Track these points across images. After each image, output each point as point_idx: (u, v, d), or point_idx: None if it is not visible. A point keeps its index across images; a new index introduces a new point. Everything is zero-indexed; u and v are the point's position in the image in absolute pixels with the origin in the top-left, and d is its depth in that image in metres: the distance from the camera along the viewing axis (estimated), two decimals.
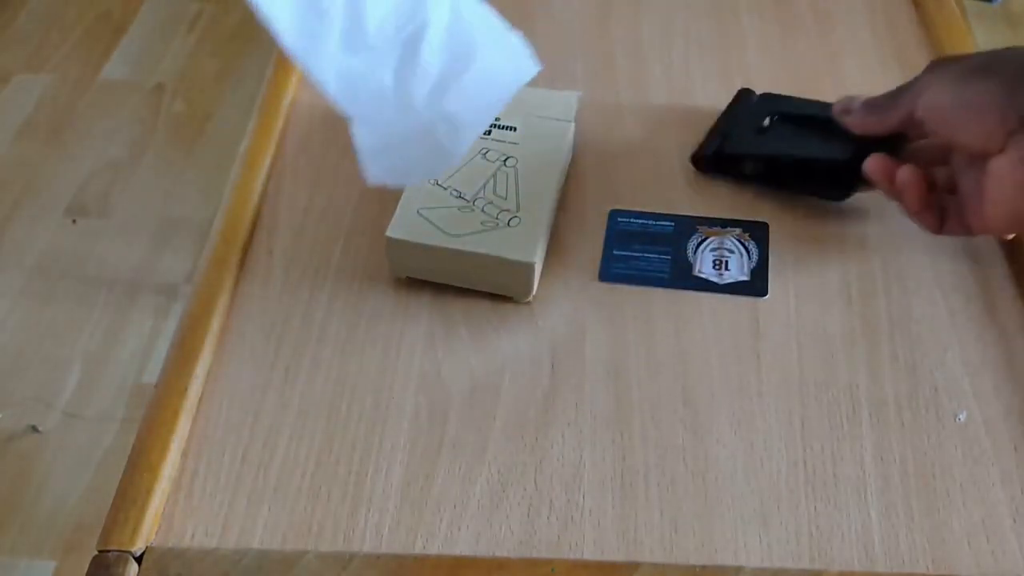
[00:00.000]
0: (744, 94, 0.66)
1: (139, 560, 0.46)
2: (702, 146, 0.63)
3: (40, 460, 1.33)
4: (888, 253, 0.59)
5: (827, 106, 0.61)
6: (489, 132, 0.60)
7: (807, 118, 0.61)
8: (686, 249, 0.58)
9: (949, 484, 0.49)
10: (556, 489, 0.48)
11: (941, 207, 0.55)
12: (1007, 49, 0.50)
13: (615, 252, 0.58)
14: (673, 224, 0.60)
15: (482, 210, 0.55)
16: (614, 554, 0.46)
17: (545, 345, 0.54)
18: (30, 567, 1.24)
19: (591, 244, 0.59)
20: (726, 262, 0.57)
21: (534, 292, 0.56)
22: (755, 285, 0.56)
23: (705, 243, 0.58)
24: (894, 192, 0.55)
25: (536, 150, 0.59)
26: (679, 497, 0.48)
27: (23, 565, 1.25)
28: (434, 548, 0.46)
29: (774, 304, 0.56)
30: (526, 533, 0.47)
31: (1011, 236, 0.57)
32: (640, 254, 0.58)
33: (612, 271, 0.57)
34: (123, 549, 0.45)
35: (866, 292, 0.57)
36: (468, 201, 0.56)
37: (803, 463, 0.49)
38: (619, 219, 0.60)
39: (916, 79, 0.52)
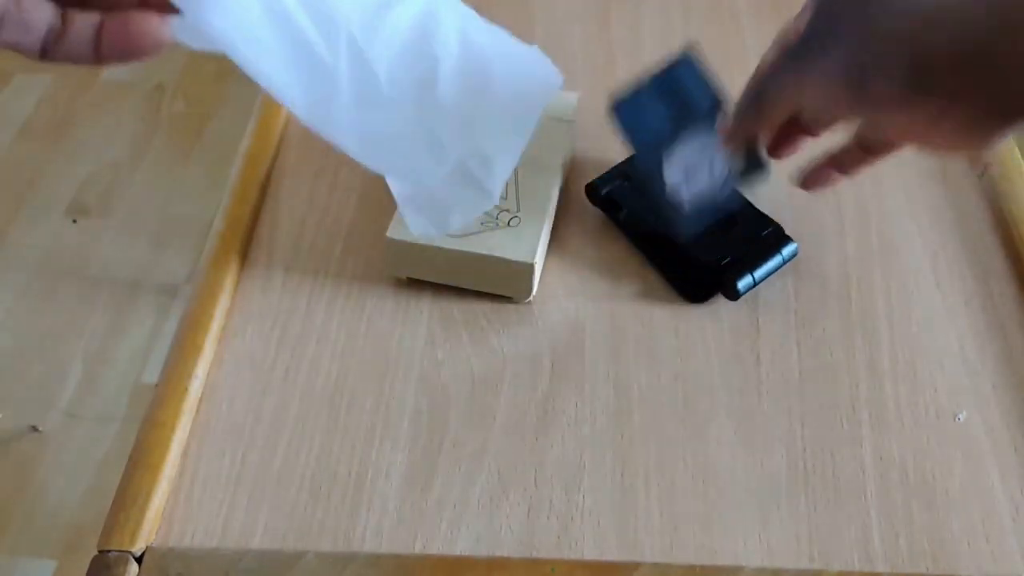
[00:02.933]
0: None
1: (139, 560, 0.46)
2: (602, 178, 0.60)
3: (40, 460, 1.33)
4: (888, 253, 0.59)
5: (735, 195, 0.58)
6: None
7: (712, 198, 0.57)
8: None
9: (949, 484, 0.49)
10: (556, 489, 0.48)
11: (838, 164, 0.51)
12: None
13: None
14: None
15: None
16: (614, 554, 0.46)
17: (545, 345, 0.54)
18: (30, 567, 1.24)
19: (591, 244, 0.59)
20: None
21: (534, 292, 0.56)
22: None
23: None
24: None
25: (536, 150, 0.59)
26: (679, 497, 0.48)
27: (23, 565, 1.25)
28: (434, 548, 0.46)
29: (774, 304, 0.56)
30: (526, 533, 0.47)
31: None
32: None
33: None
34: (123, 549, 0.46)
35: (866, 292, 0.57)
36: None
37: (803, 463, 0.49)
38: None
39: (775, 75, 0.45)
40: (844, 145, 0.51)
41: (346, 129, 0.38)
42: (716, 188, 0.55)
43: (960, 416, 0.51)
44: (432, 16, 0.41)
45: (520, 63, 0.44)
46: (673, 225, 0.55)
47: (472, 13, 0.43)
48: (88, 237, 1.63)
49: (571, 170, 0.63)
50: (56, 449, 1.35)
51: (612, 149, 0.64)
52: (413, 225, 0.42)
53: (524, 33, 0.73)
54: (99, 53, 0.35)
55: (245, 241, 0.59)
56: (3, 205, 1.68)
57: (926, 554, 0.46)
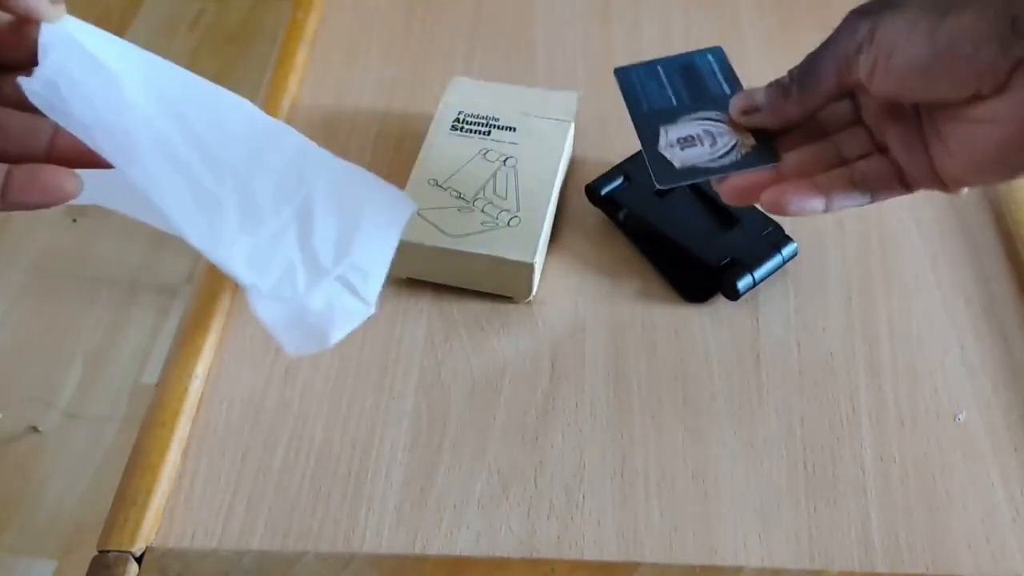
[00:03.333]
0: None
1: (139, 560, 0.46)
2: (602, 178, 0.60)
3: (40, 460, 1.33)
4: (888, 253, 0.59)
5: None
6: (489, 132, 0.60)
7: (713, 201, 0.58)
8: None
9: (949, 484, 0.49)
10: (556, 489, 0.48)
11: (857, 178, 0.45)
12: None
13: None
14: None
15: (482, 210, 0.55)
16: (614, 554, 0.46)
17: (545, 345, 0.54)
18: (30, 567, 1.24)
19: (591, 244, 0.59)
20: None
21: (534, 292, 0.56)
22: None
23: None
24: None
25: (536, 150, 0.59)
26: (679, 497, 0.48)
27: (23, 565, 1.24)
28: (434, 548, 0.46)
29: (774, 304, 0.56)
30: (526, 533, 0.47)
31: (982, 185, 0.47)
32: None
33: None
34: (123, 549, 0.46)
35: (866, 292, 0.57)
36: (468, 201, 0.56)
37: (803, 463, 0.49)
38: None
39: (838, 37, 0.42)
40: (832, 175, 0.45)
41: (235, 254, 0.42)
42: (713, 161, 0.48)
43: (960, 416, 0.51)
44: (302, 157, 0.46)
45: (380, 193, 0.49)
46: (654, 169, 0.48)
47: (333, 156, 0.48)
48: (88, 237, 1.63)
49: (571, 170, 0.63)
50: (56, 449, 1.34)
51: (612, 149, 0.64)
52: (292, 347, 0.45)
53: (524, 33, 0.74)
54: (5, 200, 0.36)
55: None
56: None
57: (926, 554, 0.46)
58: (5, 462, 1.33)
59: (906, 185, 0.44)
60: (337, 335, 0.45)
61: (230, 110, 0.44)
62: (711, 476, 0.49)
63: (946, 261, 0.59)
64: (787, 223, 0.58)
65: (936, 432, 0.51)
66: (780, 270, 0.57)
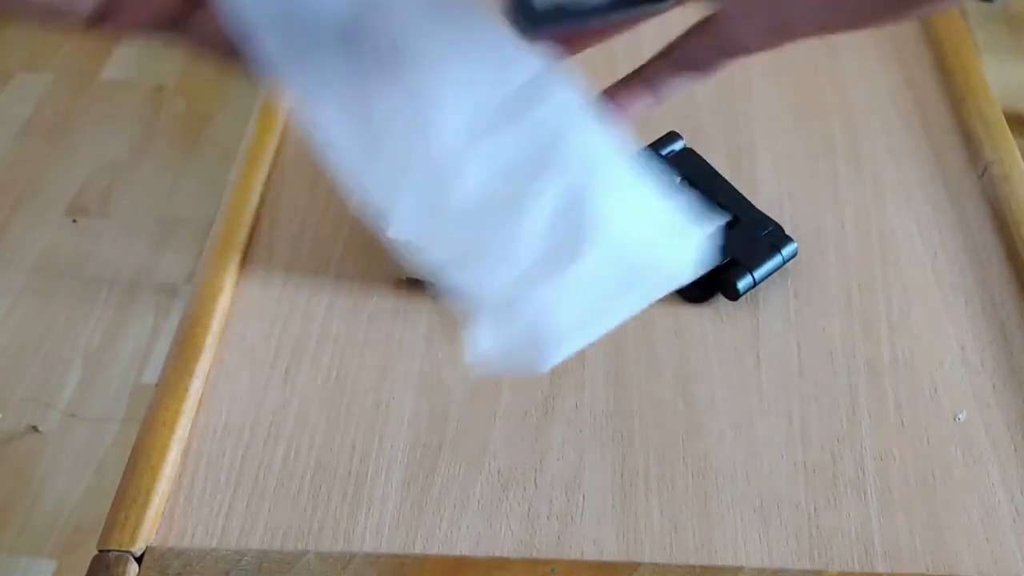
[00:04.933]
0: (670, 138, 0.61)
1: (139, 560, 0.46)
2: None
3: (40, 460, 1.33)
4: (888, 253, 0.59)
5: (735, 195, 0.58)
6: None
7: (713, 201, 0.57)
8: None
9: (949, 484, 0.49)
10: (556, 489, 0.48)
11: (679, 56, 0.44)
12: None
13: None
14: None
15: None
16: (614, 554, 0.46)
17: None
18: (30, 567, 1.24)
19: None
20: None
21: None
22: None
23: None
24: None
25: None
26: (679, 497, 0.48)
27: (23, 565, 1.24)
28: (434, 548, 0.46)
29: (774, 304, 0.56)
30: (526, 533, 0.47)
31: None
32: None
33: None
34: (123, 549, 0.46)
35: (866, 292, 0.57)
36: None
37: (803, 463, 0.49)
38: None
39: None
40: (655, 63, 0.44)
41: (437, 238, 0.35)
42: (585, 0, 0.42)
43: (960, 416, 0.51)
44: (562, 135, 0.34)
45: (651, 230, 0.35)
46: (514, 16, 0.41)
47: (615, 144, 0.35)
48: (88, 237, 1.63)
49: None
50: (56, 449, 1.34)
51: None
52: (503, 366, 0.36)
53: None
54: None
55: (245, 241, 0.59)
56: (3, 205, 1.68)
57: (926, 554, 0.46)
58: (5, 462, 1.33)
59: (729, 53, 0.41)
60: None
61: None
62: (711, 476, 0.49)
63: (946, 261, 0.59)
64: (787, 223, 0.58)
65: (936, 432, 0.51)
66: (780, 270, 0.57)
